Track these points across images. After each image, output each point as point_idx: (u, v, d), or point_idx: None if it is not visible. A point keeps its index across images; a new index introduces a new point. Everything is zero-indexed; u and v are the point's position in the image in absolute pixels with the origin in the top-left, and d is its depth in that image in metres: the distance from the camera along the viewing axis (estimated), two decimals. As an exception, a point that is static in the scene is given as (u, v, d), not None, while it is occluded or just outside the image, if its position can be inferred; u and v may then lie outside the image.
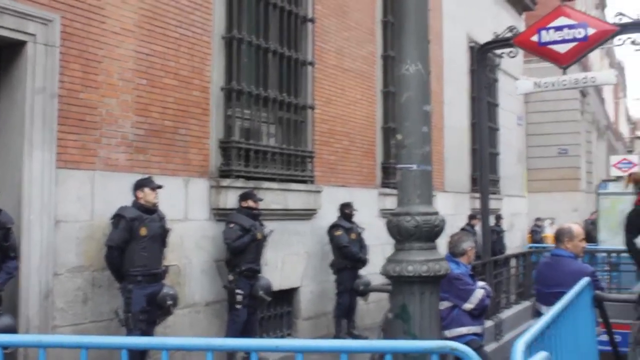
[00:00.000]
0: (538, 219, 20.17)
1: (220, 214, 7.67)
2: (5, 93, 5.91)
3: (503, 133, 17.13)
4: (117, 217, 6.17)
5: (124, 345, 2.84)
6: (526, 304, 10.42)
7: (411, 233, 3.64)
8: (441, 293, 4.09)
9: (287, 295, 8.94)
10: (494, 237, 13.18)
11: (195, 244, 7.42)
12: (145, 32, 6.95)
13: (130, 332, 6.02)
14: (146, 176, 6.52)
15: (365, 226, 9.64)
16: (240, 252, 7.37)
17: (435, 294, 3.67)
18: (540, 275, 6.31)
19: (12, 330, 5.16)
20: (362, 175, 10.74)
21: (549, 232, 20.18)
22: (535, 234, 19.25)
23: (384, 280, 10.18)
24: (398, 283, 3.66)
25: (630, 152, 46.06)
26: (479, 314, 5.81)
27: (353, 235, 9.27)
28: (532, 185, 22.17)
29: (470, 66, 15.26)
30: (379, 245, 10.46)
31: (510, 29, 9.88)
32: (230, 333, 7.27)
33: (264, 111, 8.65)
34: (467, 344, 5.48)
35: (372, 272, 9.65)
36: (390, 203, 10.99)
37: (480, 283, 5.99)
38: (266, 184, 8.30)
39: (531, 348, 3.23)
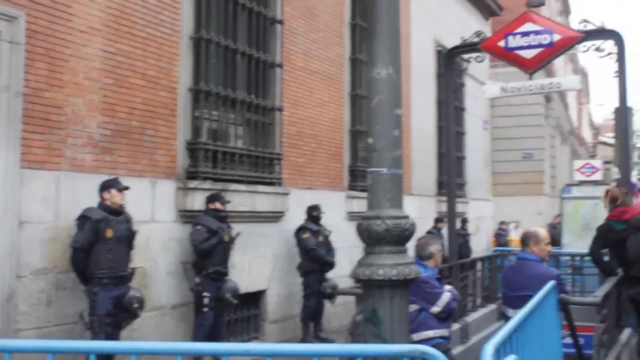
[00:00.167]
0: (502, 223, 20.36)
1: (187, 216, 7.61)
2: (-32, 91, 5.80)
3: (469, 137, 17.29)
4: (83, 219, 6.08)
5: (92, 350, 2.80)
6: (492, 307, 10.50)
7: (381, 237, 3.64)
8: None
9: (254, 298, 8.90)
10: (460, 241, 13.29)
11: (162, 246, 7.35)
12: (112, 31, 6.86)
13: (95, 336, 5.94)
14: (113, 177, 6.44)
15: (333, 229, 9.64)
16: (207, 254, 7.33)
17: (405, 297, 3.67)
18: (506, 279, 6.36)
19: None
20: (330, 178, 10.75)
21: (513, 235, 20.37)
22: (500, 237, 19.43)
23: (351, 283, 10.22)
24: (368, 287, 3.66)
25: (593, 157, 46.73)
26: (446, 317, 5.82)
27: (320, 238, 9.27)
28: (496, 188, 22.38)
29: (437, 70, 15.37)
30: (346, 248, 10.49)
31: (478, 34, 9.98)
32: (197, 336, 7.22)
33: (232, 113, 8.61)
34: (434, 347, 5.49)
35: (339, 274, 9.66)
36: (358, 206, 11.01)
37: (447, 286, 6.01)
38: (234, 186, 8.25)
39: (500, 351, 3.25)
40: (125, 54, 7.01)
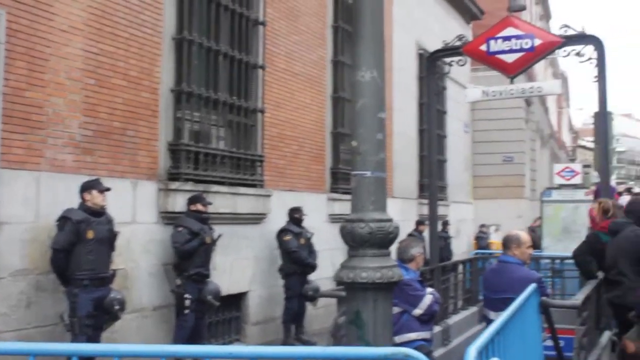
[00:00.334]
0: (483, 226, 20.47)
1: (168, 217, 7.57)
2: (-52, 90, 5.73)
3: (450, 140, 17.36)
4: (63, 220, 6.02)
5: (74, 352, 2.77)
6: (473, 309, 10.55)
7: (365, 239, 3.64)
8: (391, 299, 4.09)
9: (236, 300, 8.88)
10: (441, 243, 13.34)
11: (143, 248, 7.31)
12: (94, 30, 6.81)
13: (75, 338, 5.89)
14: (94, 178, 6.39)
15: (314, 231, 9.64)
16: (189, 256, 7.30)
17: (388, 300, 3.68)
18: (488, 281, 6.39)
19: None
20: (311, 180, 10.74)
21: (494, 238, 20.48)
22: (480, 240, 19.52)
23: (332, 286, 10.22)
24: (352, 289, 3.66)
25: (572, 160, 47.14)
26: (428, 320, 5.84)
27: (302, 240, 9.26)
28: (477, 192, 22.50)
29: (419, 73, 15.43)
30: (327, 250, 10.49)
31: (460, 37, 10.00)
32: (178, 338, 7.19)
33: (214, 114, 8.58)
34: (416, 349, 5.52)
35: (321, 277, 9.67)
36: (339, 208, 11.02)
37: (429, 289, 6.03)
38: (215, 188, 8.22)
39: (482, 354, 3.26)
40: (107, 54, 6.96)
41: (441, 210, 14.13)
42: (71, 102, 6.52)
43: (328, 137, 11.28)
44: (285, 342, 9.05)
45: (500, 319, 3.92)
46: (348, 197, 10.70)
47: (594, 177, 24.17)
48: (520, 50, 9.33)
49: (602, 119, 9.65)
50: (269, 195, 9.32)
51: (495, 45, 9.45)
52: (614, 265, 6.61)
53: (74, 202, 6.18)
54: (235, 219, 8.71)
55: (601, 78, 9.14)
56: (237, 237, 8.76)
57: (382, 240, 3.67)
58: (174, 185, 7.62)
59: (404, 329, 5.65)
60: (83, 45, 6.67)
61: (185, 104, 7.98)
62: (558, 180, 18.01)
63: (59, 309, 6.07)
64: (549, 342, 6.39)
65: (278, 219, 9.34)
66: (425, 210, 13.11)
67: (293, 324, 9.30)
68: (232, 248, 8.58)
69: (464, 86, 17.54)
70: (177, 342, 7.13)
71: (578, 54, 9.36)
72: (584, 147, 74.76)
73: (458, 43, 9.89)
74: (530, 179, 27.47)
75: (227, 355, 2.72)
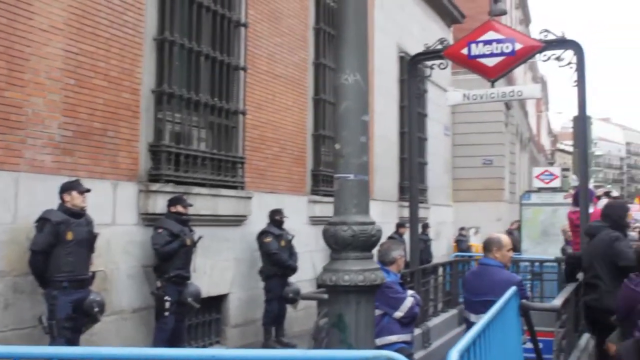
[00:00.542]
0: (462, 229, 20.56)
1: (149, 219, 7.53)
2: None
3: (431, 143, 17.42)
4: (42, 221, 5.96)
5: (53, 355, 2.74)
6: (453, 312, 10.61)
7: (348, 242, 3.64)
8: (373, 302, 4.09)
9: (216, 302, 8.84)
10: (421, 246, 13.36)
11: (123, 249, 7.26)
12: (74, 30, 6.76)
13: (54, 340, 5.83)
14: (73, 179, 6.34)
15: (295, 233, 9.62)
16: (169, 258, 7.26)
17: (370, 303, 3.68)
18: (469, 284, 6.42)
19: None
20: (292, 182, 10.73)
21: (473, 241, 20.59)
22: (461, 243, 19.61)
23: (313, 288, 10.22)
24: (334, 292, 3.65)
25: (551, 164, 47.47)
26: (408, 322, 5.85)
27: (283, 243, 9.24)
28: (457, 194, 22.60)
29: (399, 76, 15.47)
30: (308, 253, 10.49)
31: (441, 41, 10.06)
32: (158, 340, 7.14)
33: (195, 115, 8.54)
34: (397, 351, 5.53)
35: (301, 279, 9.66)
36: (320, 210, 11.02)
37: (410, 292, 6.05)
38: (196, 189, 8.19)
39: (464, 357, 3.26)
40: (88, 54, 6.91)
41: (421, 213, 14.18)
42: (51, 102, 6.46)
43: (309, 139, 11.28)
44: (265, 345, 9.03)
45: (481, 321, 3.94)
46: (329, 199, 10.73)
47: (573, 180, 24.38)
48: (501, 54, 9.40)
49: (582, 123, 9.74)
50: (249, 197, 9.30)
51: (476, 49, 9.51)
52: (590, 269, 6.67)
53: (54, 203, 6.12)
54: (216, 220, 8.68)
55: (580, 82, 9.22)
56: (218, 239, 8.73)
57: (364, 243, 3.67)
58: (155, 186, 7.58)
59: (385, 332, 5.65)
60: (63, 45, 6.62)
61: (166, 105, 7.94)
62: (537, 184, 18.17)
63: (38, 312, 6.01)
64: (529, 345, 6.42)
65: (259, 221, 9.32)
66: (405, 212, 13.14)
67: (273, 327, 9.27)
68: (212, 250, 8.55)
69: (445, 89, 17.60)
70: (156, 345, 7.08)
71: (558, 59, 9.44)
72: (562, 150, 75.40)
73: (439, 46, 9.95)
74: (509, 182, 27.64)
75: (209, 358, 2.70)
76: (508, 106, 26.54)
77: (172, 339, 7.22)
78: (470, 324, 5.91)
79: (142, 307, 7.44)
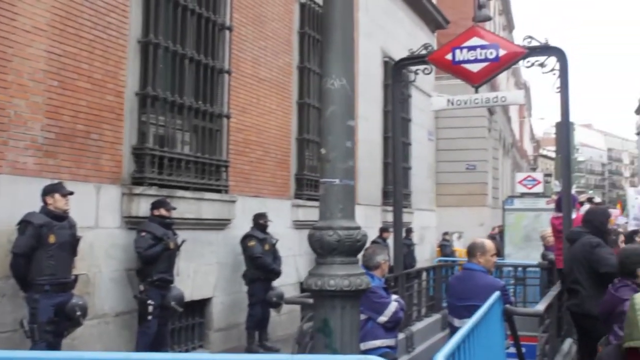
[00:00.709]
0: (446, 233, 20.63)
1: (132, 222, 7.48)
2: None
3: (415, 148, 17.46)
4: (24, 223, 5.91)
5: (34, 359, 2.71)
6: (437, 316, 10.62)
7: (333, 247, 3.63)
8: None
9: (199, 306, 8.80)
10: (405, 250, 13.37)
11: (106, 253, 7.21)
12: (57, 32, 6.72)
13: (35, 344, 5.78)
14: (56, 181, 6.29)
15: (278, 237, 9.61)
16: (152, 261, 7.22)
17: (356, 308, 3.67)
18: (453, 289, 6.44)
19: None
20: (276, 186, 10.71)
21: (456, 245, 20.66)
22: (444, 247, 19.66)
23: (296, 292, 10.20)
24: (320, 297, 3.64)
25: (534, 169, 47.81)
26: (392, 327, 5.86)
27: (267, 246, 9.22)
28: (440, 199, 22.67)
29: (384, 81, 15.49)
30: (291, 257, 10.48)
31: (425, 46, 10.06)
32: (141, 344, 7.10)
33: (179, 118, 8.51)
34: (381, 356, 5.54)
35: (285, 283, 9.64)
36: (304, 214, 11.01)
37: (394, 296, 6.06)
38: (180, 193, 8.15)
39: (449, 362, 3.27)
40: (71, 55, 6.86)
41: (405, 218, 14.19)
42: (34, 104, 6.42)
43: (293, 143, 11.27)
44: (249, 349, 8.99)
45: (465, 326, 3.94)
46: (312, 203, 10.73)
47: (555, 186, 24.54)
48: (485, 60, 9.42)
49: (565, 129, 9.79)
50: (233, 201, 9.27)
51: (460, 55, 9.52)
52: (571, 274, 6.71)
53: (36, 205, 6.07)
54: (200, 224, 8.64)
55: (564, 89, 9.26)
56: (201, 243, 8.70)
57: (350, 248, 3.67)
58: (138, 189, 7.54)
59: (369, 336, 5.66)
60: (46, 46, 6.57)
61: (150, 107, 7.90)
62: (520, 189, 18.27)
63: (19, 315, 5.95)
64: (512, 349, 6.44)
65: (242, 225, 9.29)
66: (389, 217, 13.16)
67: (257, 331, 9.24)
68: (196, 254, 8.51)
69: (429, 94, 17.67)
70: (139, 349, 7.05)
71: (541, 65, 9.47)
72: (545, 156, 75.92)
73: (424, 52, 9.95)
74: (492, 187, 27.77)
75: (193, 364, 2.69)
76: (491, 112, 26.67)
77: (155, 343, 7.18)
78: (454, 329, 5.93)
79: (124, 311, 7.39)
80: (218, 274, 9.08)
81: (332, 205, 3.72)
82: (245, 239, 9.17)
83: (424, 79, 13.39)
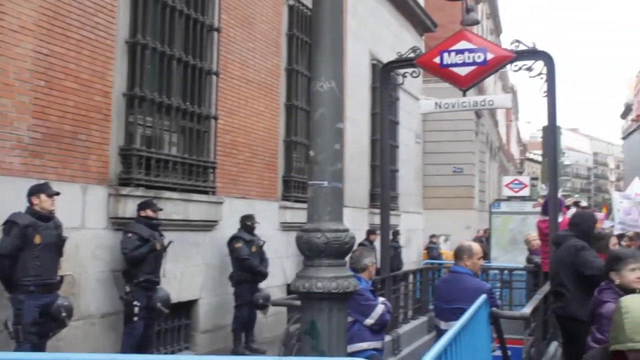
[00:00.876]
0: (433, 236, 20.66)
1: (119, 223, 7.45)
2: None
3: (402, 150, 17.50)
4: (9, 224, 5.87)
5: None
6: (423, 319, 10.65)
7: (321, 249, 3.63)
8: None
9: (185, 308, 8.77)
10: (392, 253, 13.39)
11: (92, 254, 7.17)
12: (45, 31, 6.68)
13: (20, 345, 5.75)
14: (42, 182, 6.25)
15: (265, 239, 9.60)
16: (138, 262, 7.19)
17: (343, 310, 3.67)
18: (439, 292, 6.45)
19: None
20: (263, 188, 10.70)
21: (443, 248, 20.70)
22: (431, 250, 19.70)
23: (283, 294, 10.19)
24: (307, 299, 3.64)
25: (520, 173, 48.01)
26: (379, 329, 5.86)
27: (254, 248, 9.21)
28: (427, 202, 22.71)
29: (371, 83, 15.51)
30: (278, 259, 10.47)
31: (414, 49, 10.09)
32: (126, 346, 7.06)
33: (167, 119, 8.49)
34: (367, 358, 5.55)
35: (271, 285, 9.63)
36: (291, 216, 11.00)
37: (381, 299, 6.06)
38: (167, 194, 8.13)
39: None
40: (59, 55, 6.83)
41: (392, 220, 14.18)
42: (20, 103, 6.38)
43: (281, 145, 11.26)
44: (235, 351, 8.97)
45: (452, 329, 3.95)
46: (300, 205, 10.73)
47: (542, 189, 24.64)
48: (473, 63, 9.46)
49: (551, 132, 9.83)
50: (220, 202, 9.25)
51: (448, 58, 9.56)
52: (556, 277, 6.74)
53: (21, 206, 6.03)
54: (187, 225, 8.62)
55: (551, 93, 9.31)
56: (188, 244, 8.67)
57: (338, 250, 3.67)
58: (125, 190, 7.51)
59: (356, 339, 5.65)
60: (34, 46, 6.54)
61: (137, 108, 7.87)
62: (507, 192, 18.33)
63: (3, 316, 5.91)
64: (498, 352, 6.46)
65: (229, 226, 9.27)
66: (376, 219, 13.17)
67: (243, 332, 9.23)
68: (182, 255, 8.49)
69: (416, 97, 17.69)
70: (125, 350, 7.01)
71: (529, 69, 9.52)
72: (531, 159, 76.28)
73: (412, 55, 9.97)
74: (479, 190, 27.86)
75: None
76: (478, 115, 26.77)
77: (141, 345, 7.15)
78: (440, 331, 5.94)
79: (110, 312, 7.36)
80: (205, 276, 9.06)
81: (320, 208, 3.71)
82: (232, 240, 9.15)
83: (411, 81, 13.40)
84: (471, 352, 4.56)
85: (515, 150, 65.29)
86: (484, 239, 18.94)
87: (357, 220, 13.96)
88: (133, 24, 7.91)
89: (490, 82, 32.27)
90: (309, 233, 3.66)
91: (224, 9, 9.64)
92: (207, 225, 9.10)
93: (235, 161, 9.90)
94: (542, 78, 9.40)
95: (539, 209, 12.92)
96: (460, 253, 6.19)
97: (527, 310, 6.56)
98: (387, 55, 14.11)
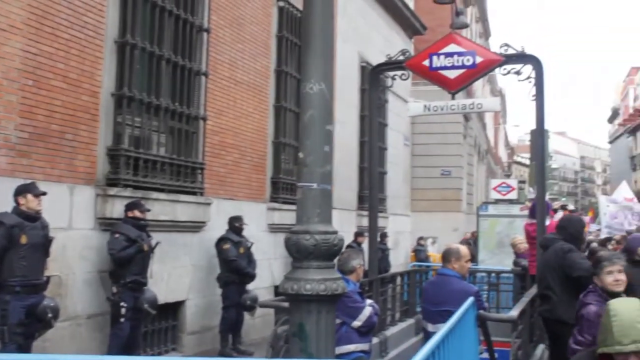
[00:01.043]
0: (421, 238, 20.68)
1: (106, 224, 7.42)
2: None
3: (390, 152, 17.50)
4: (-4, 224, 5.84)
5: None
6: (410, 321, 10.65)
7: (310, 251, 3.62)
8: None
9: (173, 309, 8.74)
10: (379, 255, 13.40)
11: (79, 254, 7.14)
12: (33, 30, 6.65)
13: (5, 346, 5.71)
14: (29, 181, 6.22)
15: (253, 240, 9.59)
16: (126, 263, 7.16)
17: (331, 312, 3.67)
18: (427, 294, 6.46)
19: None
20: (251, 189, 10.68)
21: (431, 250, 20.72)
22: (419, 252, 19.72)
23: (270, 295, 10.18)
24: (296, 301, 3.63)
25: (508, 176, 48.18)
26: (366, 332, 5.85)
27: (242, 249, 9.20)
28: (415, 204, 22.74)
29: (360, 85, 15.52)
30: (266, 260, 10.45)
31: (403, 52, 10.10)
32: (113, 347, 7.03)
33: (155, 120, 8.46)
34: (355, 361, 5.55)
35: (259, 286, 9.61)
36: (279, 218, 10.99)
37: (369, 301, 6.05)
38: (155, 194, 8.10)
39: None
40: (47, 55, 6.79)
41: (380, 222, 14.20)
42: (7, 102, 6.34)
43: (270, 147, 11.25)
44: (222, 353, 8.95)
45: (440, 332, 3.95)
46: (288, 207, 10.71)
47: (530, 192, 24.76)
48: (462, 66, 9.48)
49: (539, 136, 9.87)
50: (209, 203, 9.23)
51: (437, 61, 9.58)
52: (543, 280, 6.76)
53: (8, 206, 6.00)
54: (174, 226, 8.59)
55: (539, 97, 9.35)
56: (176, 245, 8.64)
57: (326, 252, 3.67)
58: (113, 191, 7.48)
59: (343, 341, 5.64)
60: (22, 45, 6.50)
61: (126, 108, 7.84)
62: (494, 195, 18.39)
63: (-11, 317, 5.87)
64: (485, 355, 6.47)
65: (217, 228, 9.25)
66: (364, 221, 13.17)
67: (230, 334, 9.21)
68: (170, 256, 8.46)
69: (405, 100, 17.76)
70: (111, 352, 6.98)
71: (517, 73, 9.55)
72: (519, 163, 76.58)
73: (401, 57, 9.99)
74: (467, 193, 27.92)
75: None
76: (467, 118, 26.83)
77: (128, 346, 7.12)
78: (427, 334, 5.95)
79: (97, 313, 7.32)
80: (192, 277, 9.03)
81: (310, 210, 3.71)
82: (220, 241, 9.13)
83: (400, 84, 13.45)
84: (459, 355, 4.56)
85: (503, 153, 65.52)
86: (472, 242, 18.97)
87: (345, 222, 13.95)
88: (122, 24, 7.88)
89: (478, 85, 32.37)
90: (297, 235, 3.66)
91: (214, 9, 9.63)
92: (195, 226, 9.07)
93: (224, 162, 9.88)
94: (530, 82, 9.44)
95: (526, 212, 12.96)
96: (448, 255, 6.20)
97: (514, 313, 6.57)
98: (376, 58, 14.12)
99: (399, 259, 18.09)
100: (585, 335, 4.73)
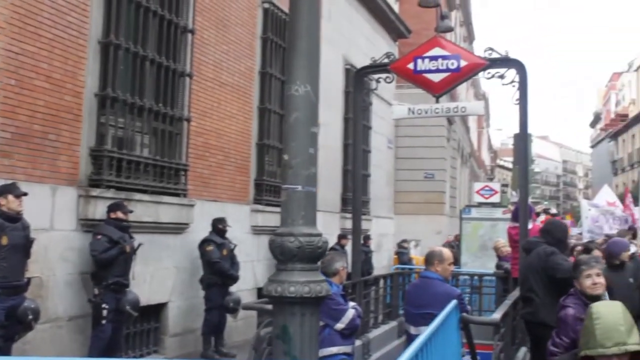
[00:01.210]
0: (404, 241, 20.72)
1: (88, 225, 7.37)
2: None
3: (374, 155, 17.52)
4: (-24, 225, 5.79)
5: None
6: (393, 324, 10.67)
7: (294, 254, 3.61)
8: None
9: (155, 311, 8.70)
10: (362, 258, 13.41)
11: (60, 255, 7.08)
12: (16, 29, 6.59)
13: (-15, 349, 5.66)
14: (10, 182, 6.17)
15: (236, 242, 9.56)
16: (108, 265, 7.12)
17: (315, 315, 3.66)
18: (410, 297, 6.47)
19: None
20: (235, 191, 10.66)
21: (414, 253, 20.77)
22: (401, 255, 19.76)
23: (253, 297, 10.16)
24: (279, 303, 3.62)
25: (491, 179, 48.40)
26: (349, 334, 5.85)
27: (225, 251, 9.17)
28: (398, 207, 22.78)
29: (345, 88, 15.53)
30: (249, 262, 10.43)
31: (388, 55, 10.13)
32: (94, 350, 6.98)
33: (139, 121, 8.42)
34: (338, 363, 5.54)
35: (242, 288, 9.58)
36: (262, 220, 10.97)
37: (352, 303, 6.05)
38: (138, 196, 8.06)
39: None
40: (30, 54, 6.74)
41: (363, 225, 14.19)
42: (-11, 102, 6.28)
43: (253, 148, 11.23)
44: (204, 355, 8.92)
45: (423, 335, 3.96)
46: (272, 209, 10.69)
47: (512, 196, 24.90)
48: (447, 70, 9.52)
49: (523, 140, 9.92)
50: (192, 205, 9.20)
51: (422, 65, 9.60)
52: (526, 283, 6.79)
53: (-11, 206, 5.94)
54: (157, 228, 8.55)
55: (522, 101, 9.39)
56: (158, 247, 8.60)
57: (311, 254, 3.65)
58: (95, 192, 7.43)
59: (326, 343, 5.64)
60: (4, 44, 6.45)
61: (109, 109, 7.79)
62: (477, 199, 18.48)
63: (-31, 318, 5.82)
64: (468, 357, 6.49)
65: (201, 229, 9.22)
66: (347, 223, 13.18)
67: (213, 336, 9.18)
68: (152, 257, 8.42)
69: (389, 102, 17.78)
70: (92, 354, 6.93)
71: (501, 77, 9.59)
72: (502, 166, 76.95)
73: (386, 60, 10.01)
74: (450, 196, 28.01)
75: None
76: (450, 121, 26.93)
77: (109, 348, 7.07)
78: (410, 336, 5.96)
79: (78, 315, 7.27)
80: (175, 279, 8.99)
81: (294, 212, 3.70)
82: (203, 243, 9.10)
83: (384, 87, 13.48)
84: (441, 358, 4.57)
85: (486, 156, 65.84)
86: (455, 245, 19.03)
87: (328, 225, 13.94)
88: (106, 24, 7.84)
89: (462, 89, 32.50)
90: (282, 237, 3.64)
91: (199, 10, 9.60)
92: (178, 228, 9.03)
93: (207, 164, 9.85)
94: (514, 86, 9.48)
95: (509, 215, 13.03)
96: (431, 258, 6.22)
97: (497, 315, 6.60)
98: (360, 61, 14.12)
99: (382, 262, 18.11)
100: (563, 338, 4.75)
